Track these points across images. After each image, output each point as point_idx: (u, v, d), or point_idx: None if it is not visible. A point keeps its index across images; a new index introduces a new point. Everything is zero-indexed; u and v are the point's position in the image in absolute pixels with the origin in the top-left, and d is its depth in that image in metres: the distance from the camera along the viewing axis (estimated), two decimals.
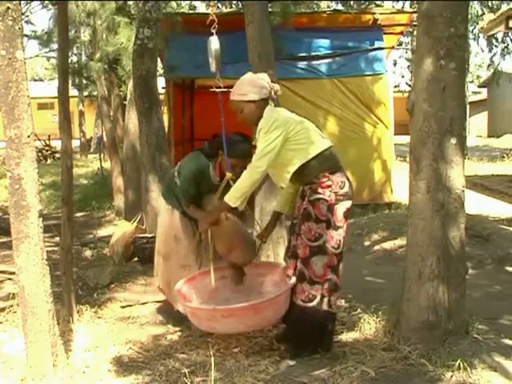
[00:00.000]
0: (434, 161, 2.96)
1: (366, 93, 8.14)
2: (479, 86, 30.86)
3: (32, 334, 2.68)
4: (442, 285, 2.99)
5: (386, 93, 8.23)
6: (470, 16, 15.05)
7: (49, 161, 19.33)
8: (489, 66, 21.22)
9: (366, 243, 5.58)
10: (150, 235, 5.64)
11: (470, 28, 17.13)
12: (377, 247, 5.44)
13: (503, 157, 15.24)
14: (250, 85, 3.13)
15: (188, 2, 16.47)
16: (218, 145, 3.47)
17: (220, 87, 3.59)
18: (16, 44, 2.52)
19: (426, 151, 2.98)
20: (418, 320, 3.03)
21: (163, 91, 9.19)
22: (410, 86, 20.14)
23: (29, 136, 2.59)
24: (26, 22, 14.97)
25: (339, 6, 15.58)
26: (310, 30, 8.28)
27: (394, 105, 8.34)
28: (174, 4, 13.31)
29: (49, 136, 20.77)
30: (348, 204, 3.05)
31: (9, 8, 2.49)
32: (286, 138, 3.01)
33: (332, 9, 12.61)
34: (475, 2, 16.85)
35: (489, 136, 27.25)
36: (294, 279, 3.07)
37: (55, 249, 5.35)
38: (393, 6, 16.68)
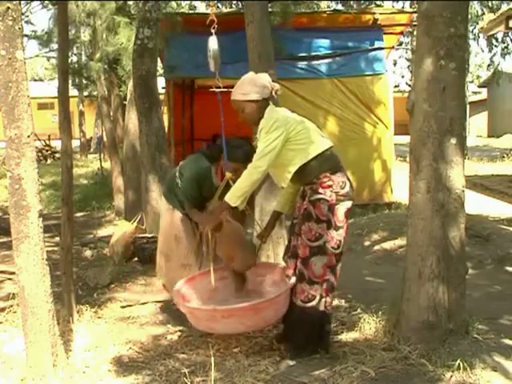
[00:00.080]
0: (434, 161, 2.96)
1: (366, 93, 8.15)
2: (479, 86, 30.86)
3: (32, 334, 2.68)
4: (442, 285, 2.99)
5: (386, 93, 8.23)
6: (470, 16, 15.05)
7: (49, 161, 19.34)
8: (489, 66, 21.22)
9: (366, 243, 5.58)
10: (149, 235, 5.65)
11: (470, 28, 17.14)
12: (377, 247, 5.44)
13: (503, 157, 15.24)
14: (252, 84, 3.13)
15: (188, 1, 16.48)
16: (219, 149, 3.47)
17: (219, 87, 3.59)
18: (16, 44, 2.52)
19: (426, 151, 2.98)
20: (417, 320, 3.03)
21: (163, 91, 9.19)
22: (410, 85, 20.14)
23: (29, 136, 2.59)
24: (26, 22, 14.97)
25: (339, 6, 15.59)
26: (310, 30, 8.29)
27: (394, 105, 8.34)
28: (173, 4, 13.32)
29: (49, 136, 20.77)
30: (349, 204, 3.05)
31: (9, 8, 2.49)
32: (287, 138, 3.01)
33: (332, 9, 12.61)
34: (475, 2, 16.86)
35: (489, 136, 27.25)
36: (293, 279, 3.07)
37: (55, 249, 5.35)
38: (393, 6, 16.68)
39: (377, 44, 8.40)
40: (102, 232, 7.23)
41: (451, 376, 2.73)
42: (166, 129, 7.51)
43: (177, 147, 8.83)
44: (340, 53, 8.27)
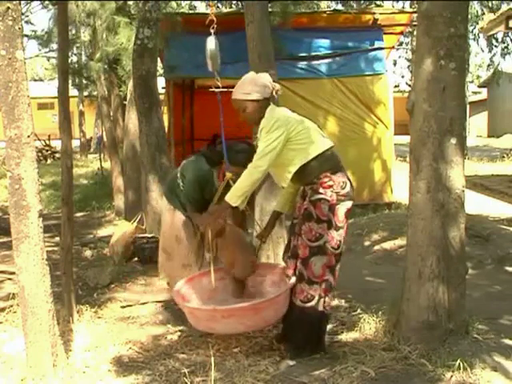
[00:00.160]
0: (434, 161, 2.96)
1: (366, 93, 8.15)
2: (479, 86, 30.86)
3: (32, 334, 2.68)
4: (442, 285, 2.99)
5: (386, 93, 8.23)
6: (469, 16, 15.05)
7: (49, 161, 19.33)
8: (489, 66, 21.22)
9: (366, 243, 5.58)
10: (149, 235, 5.65)
11: (470, 28, 17.13)
12: (377, 247, 5.44)
13: (503, 157, 15.24)
14: (253, 84, 3.13)
15: (188, 1, 16.48)
16: (220, 153, 3.44)
17: (219, 87, 3.59)
18: (16, 44, 2.52)
19: (426, 151, 2.98)
20: (418, 320, 3.03)
21: (163, 91, 9.19)
22: (410, 85, 20.14)
23: (29, 136, 2.59)
24: (26, 22, 14.97)
25: (339, 6, 15.60)
26: (310, 30, 8.29)
27: (394, 105, 8.34)
28: (173, 4, 13.32)
29: (49, 136, 20.77)
30: (349, 204, 3.05)
31: (9, 8, 2.49)
32: (288, 137, 3.01)
33: (332, 9, 12.62)
34: (475, 2, 16.86)
35: (489, 136, 27.25)
36: (293, 279, 3.07)
37: (55, 249, 5.35)
38: (393, 6, 16.72)
39: (377, 44, 8.41)
40: (102, 232, 7.23)
41: (451, 376, 2.73)
42: (166, 129, 7.51)
43: (177, 147, 8.83)
44: (340, 53, 8.27)
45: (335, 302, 3.88)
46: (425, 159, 2.98)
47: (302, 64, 8.24)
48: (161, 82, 9.00)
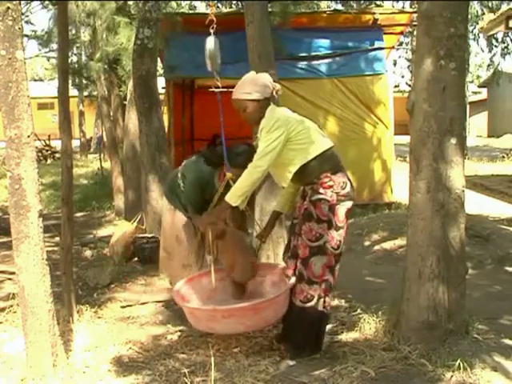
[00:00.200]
0: (434, 161, 2.96)
1: (366, 93, 8.15)
2: (479, 86, 30.86)
3: (32, 334, 2.68)
4: (442, 285, 2.99)
5: (386, 93, 8.23)
6: (470, 16, 15.05)
7: (49, 161, 19.33)
8: (489, 66, 21.22)
9: (366, 243, 5.58)
10: (150, 235, 5.65)
11: (470, 28, 17.13)
12: (377, 247, 5.44)
13: (503, 157, 15.24)
14: (254, 84, 3.13)
15: (188, 1, 16.48)
16: (221, 156, 3.43)
17: (218, 87, 3.59)
18: (16, 44, 2.52)
19: (426, 151, 2.98)
20: (418, 320, 3.03)
21: (163, 91, 9.19)
22: (410, 85, 20.14)
23: (29, 136, 2.59)
24: (26, 22, 14.98)
25: (339, 6, 15.59)
26: (310, 30, 8.29)
27: (394, 105, 8.34)
28: (173, 4, 13.32)
29: (49, 136, 20.77)
30: (349, 204, 3.06)
31: (9, 8, 2.49)
32: (288, 137, 3.01)
33: (332, 9, 12.62)
34: (475, 2, 16.86)
35: (489, 136, 27.25)
36: (293, 279, 3.07)
37: (55, 249, 5.35)
38: (393, 6, 16.72)
39: (377, 44, 8.41)
40: (102, 232, 7.23)
41: (451, 376, 2.73)
42: (166, 129, 7.51)
43: (177, 147, 8.83)
44: (340, 53, 8.27)
45: (335, 302, 3.88)
46: (425, 159, 2.98)
47: (302, 64, 8.23)
48: (161, 82, 9.00)
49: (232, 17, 7.56)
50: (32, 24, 25.63)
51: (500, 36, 18.30)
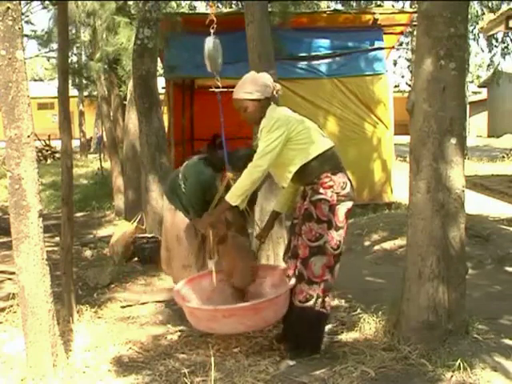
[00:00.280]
0: (434, 161, 2.96)
1: (366, 93, 8.14)
2: (479, 86, 30.86)
3: (32, 334, 2.68)
4: (442, 285, 2.99)
5: (386, 93, 8.23)
6: (470, 16, 15.05)
7: (49, 161, 19.33)
8: (489, 66, 21.21)
9: (366, 243, 5.58)
10: (150, 235, 5.65)
11: (470, 28, 17.13)
12: (377, 247, 5.44)
13: (503, 157, 15.24)
14: (254, 83, 3.13)
15: (188, 1, 16.48)
16: (223, 159, 3.42)
17: (219, 87, 3.59)
18: (16, 44, 2.52)
19: (426, 151, 2.98)
20: (418, 320, 3.03)
21: (163, 91, 9.19)
22: (410, 85, 20.14)
23: (29, 136, 2.59)
24: (26, 22, 14.97)
25: (339, 6, 15.59)
26: (310, 30, 8.28)
27: (394, 105, 8.34)
28: (173, 4, 13.32)
29: (49, 136, 20.77)
30: (349, 205, 3.05)
31: (9, 8, 2.49)
32: (288, 137, 3.01)
33: (332, 9, 12.61)
34: (475, 2, 16.86)
35: (489, 136, 27.25)
36: (293, 280, 3.07)
37: (55, 249, 5.35)
38: (393, 6, 16.72)
39: (377, 44, 8.40)
40: (102, 232, 7.23)
41: (451, 376, 2.73)
42: (166, 129, 7.51)
43: (177, 147, 8.83)
44: (340, 53, 8.26)
45: (335, 302, 3.88)
46: (425, 159, 2.98)
47: (302, 64, 8.23)
48: (161, 82, 9.00)
49: (232, 17, 7.56)
50: (32, 24, 25.61)
51: (500, 36, 18.31)
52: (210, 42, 3.66)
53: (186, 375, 2.78)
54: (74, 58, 13.97)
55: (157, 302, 4.19)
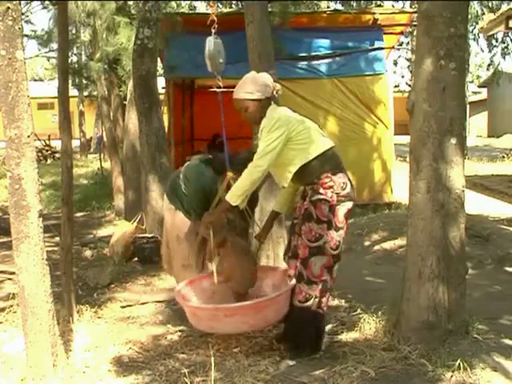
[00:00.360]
0: (434, 161, 2.96)
1: (366, 93, 8.14)
2: (479, 86, 30.86)
3: (32, 334, 2.68)
4: (442, 285, 2.99)
5: (386, 93, 8.23)
6: (469, 16, 15.05)
7: (49, 161, 19.33)
8: (489, 65, 21.20)
9: (366, 243, 5.58)
10: (150, 235, 5.65)
11: (470, 28, 17.13)
12: (377, 247, 5.44)
13: (503, 157, 15.24)
14: (255, 83, 3.13)
15: (188, 1, 16.48)
16: (224, 162, 3.41)
17: (220, 87, 3.59)
18: (16, 44, 2.52)
19: (426, 151, 2.98)
20: (418, 320, 3.03)
21: (163, 91, 9.20)
22: (410, 85, 20.13)
23: (29, 136, 2.59)
24: (26, 21, 14.97)
25: (339, 6, 15.59)
26: (310, 30, 8.28)
27: (394, 105, 8.34)
28: (173, 4, 13.32)
29: (49, 136, 20.77)
30: (349, 205, 3.06)
31: (9, 8, 2.49)
32: (288, 137, 3.01)
33: (332, 9, 12.61)
34: (475, 2, 16.86)
35: (489, 136, 27.25)
36: (294, 280, 3.07)
37: (55, 249, 5.35)
38: (393, 6, 16.72)
39: (377, 44, 8.40)
40: (102, 232, 7.23)
41: (451, 376, 2.73)
42: (166, 129, 7.51)
43: (177, 147, 8.83)
44: (340, 53, 8.26)
45: (335, 302, 3.88)
46: (425, 159, 2.98)
47: (302, 64, 8.23)
48: (161, 82, 9.00)
49: (232, 17, 7.56)
50: (32, 24, 25.62)
51: (500, 36, 18.30)
52: (210, 43, 3.65)
53: (186, 375, 2.78)
54: (74, 58, 13.99)
55: (157, 302, 4.19)
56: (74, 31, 10.97)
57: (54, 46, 12.98)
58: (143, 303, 4.18)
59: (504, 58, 19.47)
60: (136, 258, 5.56)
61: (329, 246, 3.00)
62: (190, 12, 14.21)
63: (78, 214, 8.43)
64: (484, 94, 30.29)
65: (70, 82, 5.79)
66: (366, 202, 7.89)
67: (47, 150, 19.93)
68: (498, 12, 12.59)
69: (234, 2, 13.60)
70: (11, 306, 3.66)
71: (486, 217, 6.68)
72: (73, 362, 2.95)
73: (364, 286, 4.45)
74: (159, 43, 6.28)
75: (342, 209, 3.02)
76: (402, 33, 9.63)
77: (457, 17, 2.94)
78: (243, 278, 3.31)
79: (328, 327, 3.34)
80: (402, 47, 19.98)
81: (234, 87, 3.18)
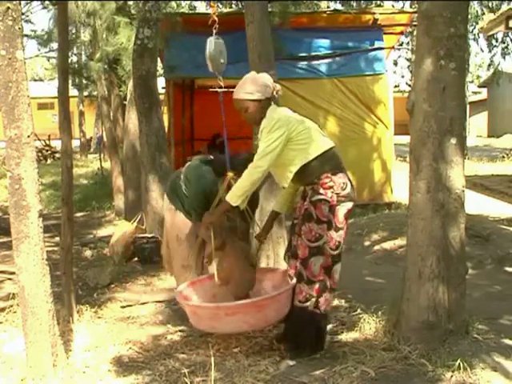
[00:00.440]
0: (434, 161, 2.96)
1: (366, 93, 8.14)
2: (479, 86, 30.85)
3: (32, 334, 2.68)
4: (442, 285, 2.99)
5: (386, 93, 8.23)
6: (469, 16, 15.04)
7: (49, 161, 19.33)
8: (489, 66, 21.20)
9: (366, 243, 5.58)
10: (149, 235, 5.65)
11: (470, 28, 17.12)
12: (377, 247, 5.44)
13: (503, 157, 15.24)
14: (255, 84, 3.13)
15: (188, 1, 16.48)
16: (224, 164, 3.41)
17: (221, 87, 3.59)
18: (16, 44, 2.52)
19: (426, 151, 2.98)
20: (418, 320, 3.03)
21: (163, 91, 9.19)
22: (410, 85, 20.13)
23: (29, 136, 2.59)
24: (26, 21, 14.97)
25: (339, 6, 15.58)
26: (310, 30, 8.28)
27: (394, 105, 8.34)
28: (173, 4, 13.32)
29: (49, 136, 20.77)
30: (349, 205, 3.06)
31: (9, 8, 2.49)
32: (289, 138, 3.01)
33: (332, 9, 12.61)
34: (475, 2, 16.85)
35: (489, 136, 27.25)
36: (295, 280, 3.07)
37: (55, 249, 5.35)
38: (393, 6, 16.70)
39: (377, 44, 8.40)
40: (102, 232, 7.23)
41: (451, 376, 2.73)
42: (166, 129, 7.51)
43: (177, 147, 8.82)
44: (340, 53, 8.26)
45: (335, 302, 3.88)
46: (425, 159, 2.98)
47: (302, 64, 8.23)
48: (161, 82, 9.00)
49: (232, 17, 7.55)
50: (32, 23, 25.61)
51: (500, 36, 18.30)
52: (210, 44, 3.65)
53: (186, 375, 2.78)
54: (74, 58, 13.98)
55: (157, 302, 4.19)
56: (74, 31, 10.96)
57: (54, 46, 12.99)
58: (143, 303, 4.18)
59: (504, 58, 19.47)
60: (136, 258, 5.56)
61: (328, 246, 3.00)
62: (190, 12, 14.20)
63: (78, 214, 8.43)
64: (484, 94, 30.28)
65: (70, 81, 5.79)
66: (366, 202, 7.89)
67: (47, 150, 19.93)
68: (498, 12, 12.59)
69: (233, 2, 13.60)
70: (11, 305, 3.66)
71: (486, 217, 6.68)
72: (73, 362, 2.95)
73: (364, 285, 4.45)
74: (159, 43, 6.28)
75: (342, 209, 3.02)
76: (402, 33, 9.63)
77: (457, 17, 2.94)
78: (241, 280, 3.31)
79: (328, 327, 3.33)
80: (402, 47, 19.97)
81: (234, 87, 3.18)
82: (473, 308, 3.33)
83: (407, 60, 23.22)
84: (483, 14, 16.89)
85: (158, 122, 5.87)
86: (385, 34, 8.56)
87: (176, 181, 3.62)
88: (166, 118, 8.05)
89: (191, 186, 3.47)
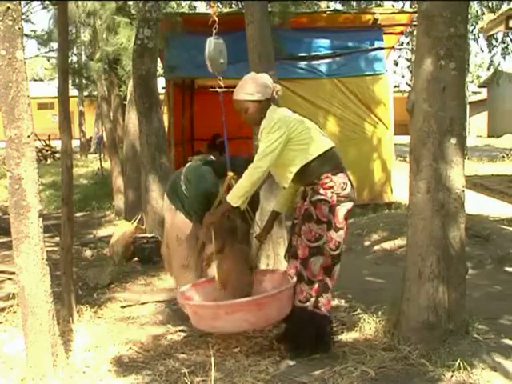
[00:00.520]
0: (434, 161, 2.96)
1: (366, 93, 8.14)
2: (479, 86, 30.85)
3: (32, 334, 2.68)
4: (442, 285, 2.99)
5: (386, 93, 8.23)
6: (469, 16, 15.04)
7: (49, 161, 19.34)
8: (489, 66, 21.20)
9: (366, 243, 5.58)
10: (150, 235, 5.65)
11: (470, 28, 17.13)
12: (377, 247, 5.44)
13: (503, 157, 15.24)
14: (255, 84, 3.13)
15: (188, 1, 16.49)
16: (224, 165, 3.41)
17: (221, 87, 3.58)
18: (16, 44, 2.52)
19: (426, 151, 2.98)
20: (418, 320, 3.03)
21: (163, 91, 9.19)
22: (410, 85, 20.12)
23: (29, 136, 2.59)
24: (26, 21, 14.97)
25: (339, 6, 15.59)
26: (310, 30, 8.28)
27: (394, 105, 8.34)
28: (173, 4, 13.33)
29: (49, 136, 20.77)
30: (349, 206, 3.06)
31: (9, 8, 2.49)
32: (289, 138, 3.01)
33: (332, 9, 12.61)
34: (475, 2, 16.85)
35: (489, 136, 27.25)
36: (295, 279, 3.07)
37: (55, 249, 5.35)
38: (393, 6, 16.70)
39: (377, 44, 8.40)
40: (102, 232, 7.23)
41: (451, 376, 2.73)
42: (166, 129, 7.51)
43: (177, 147, 8.82)
44: (340, 53, 8.26)
45: (335, 302, 3.88)
46: (425, 159, 2.98)
47: (302, 64, 8.23)
48: (161, 82, 8.99)
49: (232, 17, 7.54)
50: (32, 23, 25.61)
51: (500, 36, 18.30)
52: (210, 44, 3.65)
53: (186, 375, 2.78)
54: (74, 58, 13.98)
55: (157, 302, 4.19)
56: (74, 31, 10.97)
57: (54, 45, 13.00)
58: (143, 303, 4.18)
59: (504, 58, 19.49)
60: (136, 258, 5.56)
61: (328, 246, 3.00)
62: (190, 12, 14.21)
63: (78, 214, 8.44)
64: (484, 94, 30.28)
65: (70, 81, 5.79)
66: (366, 202, 7.89)
67: (47, 150, 19.93)
68: (498, 12, 12.60)
69: (233, 2, 13.60)
70: (11, 305, 3.66)
71: (486, 217, 6.68)
72: (73, 362, 2.95)
73: (364, 285, 4.45)
74: (159, 43, 6.28)
75: (342, 209, 3.02)
76: (402, 33, 9.63)
77: (457, 17, 2.94)
78: (239, 283, 3.31)
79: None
80: (402, 47, 19.96)
81: (234, 87, 3.18)
82: (473, 308, 3.33)
83: (407, 60, 23.21)
84: (483, 13, 16.90)
85: (158, 122, 5.87)
86: (385, 34, 8.56)
87: (176, 181, 3.62)
88: (166, 117, 8.05)
89: (191, 187, 3.47)
